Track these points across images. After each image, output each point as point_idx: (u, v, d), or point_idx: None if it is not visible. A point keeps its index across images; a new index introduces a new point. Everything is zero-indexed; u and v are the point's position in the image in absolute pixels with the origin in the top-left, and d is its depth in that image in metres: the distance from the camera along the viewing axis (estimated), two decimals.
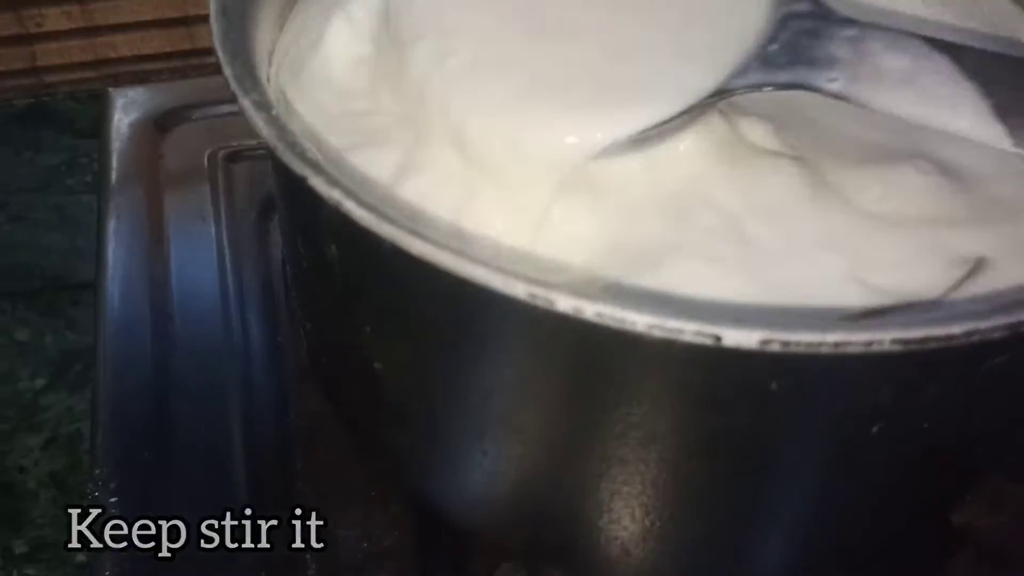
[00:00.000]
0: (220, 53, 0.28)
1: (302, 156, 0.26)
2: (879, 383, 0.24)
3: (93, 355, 0.54)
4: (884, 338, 0.22)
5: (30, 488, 0.60)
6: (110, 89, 0.54)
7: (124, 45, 0.62)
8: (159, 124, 0.53)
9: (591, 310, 0.22)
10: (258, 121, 0.26)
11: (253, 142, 0.52)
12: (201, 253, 0.48)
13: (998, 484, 0.38)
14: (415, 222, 0.24)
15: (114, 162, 0.52)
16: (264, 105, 0.27)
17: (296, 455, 0.40)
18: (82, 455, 0.62)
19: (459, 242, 0.24)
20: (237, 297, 0.46)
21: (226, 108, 0.54)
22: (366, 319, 0.29)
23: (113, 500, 0.38)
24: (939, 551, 0.36)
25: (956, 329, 0.22)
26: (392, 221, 0.24)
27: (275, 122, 0.27)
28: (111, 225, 0.48)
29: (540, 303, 0.22)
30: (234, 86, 0.27)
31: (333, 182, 0.25)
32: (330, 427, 0.40)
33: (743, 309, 0.24)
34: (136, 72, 0.63)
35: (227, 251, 0.48)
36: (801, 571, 0.32)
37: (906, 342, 0.22)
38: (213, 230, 0.49)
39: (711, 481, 0.28)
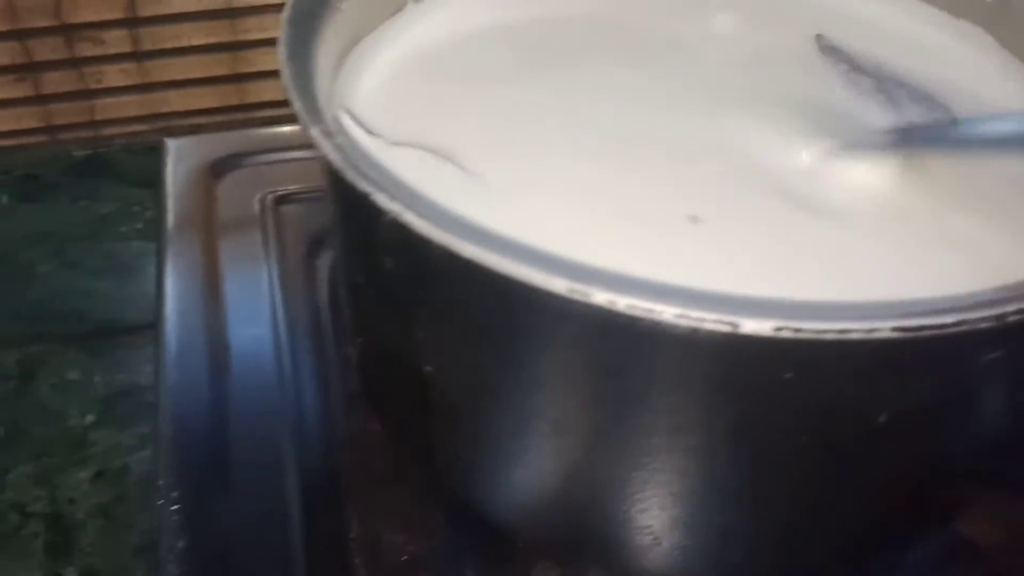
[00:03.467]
0: (290, 90, 0.32)
1: (365, 175, 0.29)
2: (883, 371, 0.27)
3: (142, 394, 0.57)
4: (884, 326, 0.25)
5: (79, 519, 0.62)
6: (166, 139, 0.58)
7: (177, 100, 0.66)
8: (213, 171, 0.57)
9: (623, 303, 0.25)
10: (326, 146, 0.30)
11: (300, 186, 0.56)
12: (254, 289, 0.51)
13: (1007, 497, 0.40)
14: (466, 230, 0.27)
15: (171, 206, 0.55)
16: (330, 134, 0.31)
17: (342, 469, 0.43)
18: (129, 487, 0.64)
19: (504, 245, 0.27)
20: (287, 329, 0.49)
21: (274, 156, 0.59)
22: (417, 325, 0.32)
23: (175, 508, 0.41)
24: (943, 561, 0.38)
25: (949, 319, 0.25)
26: (446, 228, 0.27)
27: (340, 148, 0.30)
28: (170, 264, 0.52)
29: (578, 297, 0.26)
30: (303, 118, 0.31)
31: (393, 197, 0.28)
32: (374, 444, 0.43)
33: (759, 300, 0.27)
34: (187, 125, 0.67)
35: (277, 287, 0.52)
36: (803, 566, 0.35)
37: (905, 329, 0.25)
38: (265, 268, 0.52)
39: (736, 471, 0.31)
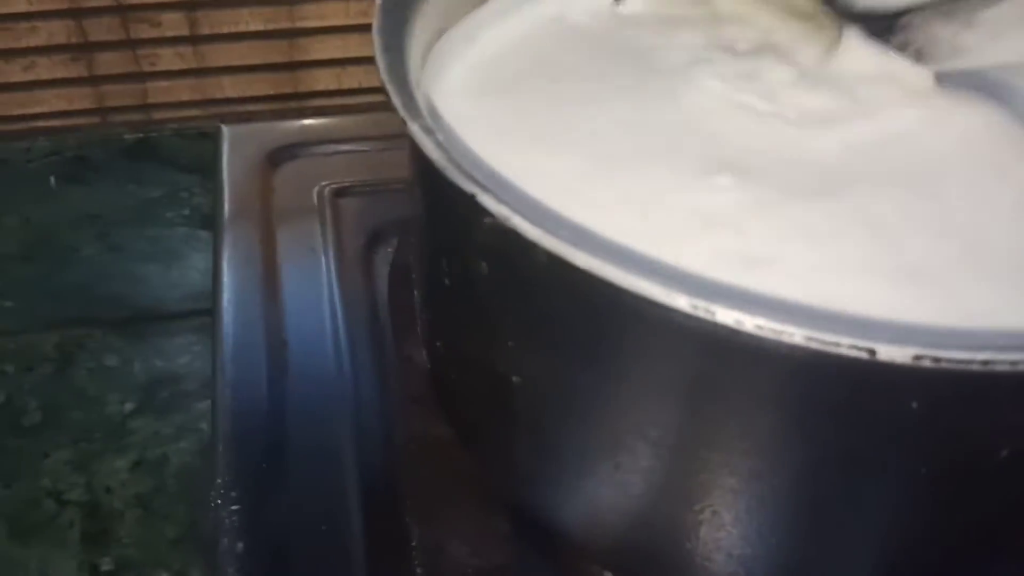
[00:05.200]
0: (388, 85, 0.31)
1: (469, 175, 0.28)
2: (1014, 404, 0.25)
3: (183, 382, 0.56)
4: None
5: (116, 508, 0.61)
6: (223, 126, 0.57)
7: (231, 86, 0.65)
8: (270, 160, 0.56)
9: (751, 323, 0.24)
10: (428, 144, 0.29)
11: (358, 179, 0.55)
12: (311, 284, 0.50)
13: None
14: (580, 237, 0.26)
15: (227, 195, 0.54)
16: (430, 130, 0.29)
17: (404, 474, 0.42)
18: (167, 478, 0.64)
19: (621, 255, 0.26)
20: (345, 325, 0.48)
21: (332, 148, 0.57)
22: (510, 334, 0.31)
23: (234, 508, 0.40)
24: None
25: None
26: (557, 235, 0.26)
27: (442, 146, 0.29)
28: (226, 254, 0.51)
29: (701, 314, 0.24)
30: (403, 113, 0.30)
31: (500, 200, 0.27)
32: (438, 450, 0.42)
33: (896, 325, 0.25)
34: (240, 112, 0.66)
35: (336, 283, 0.51)
36: None
37: None
38: (322, 262, 0.51)
39: (837, 500, 0.29)
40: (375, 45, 0.32)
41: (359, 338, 0.48)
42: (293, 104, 0.67)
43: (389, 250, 0.51)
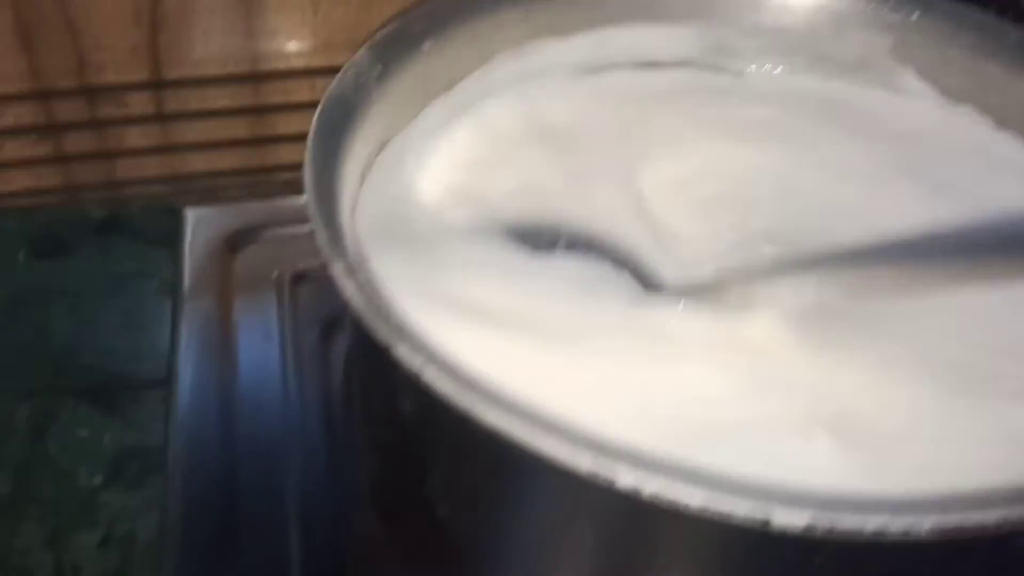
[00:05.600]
0: (314, 220, 0.31)
1: (387, 322, 0.28)
2: (917, 565, 0.26)
3: (151, 455, 0.56)
4: (921, 526, 0.23)
5: None
6: (186, 209, 0.58)
7: (198, 161, 0.66)
8: (229, 244, 0.56)
9: (649, 488, 0.24)
10: (347, 287, 0.29)
11: (317, 263, 0.55)
12: (267, 368, 0.51)
13: None
14: (490, 393, 0.27)
15: (187, 279, 0.55)
16: (353, 271, 0.30)
17: (350, 564, 0.42)
18: (135, 554, 0.64)
19: (530, 416, 0.26)
20: (299, 409, 0.49)
21: (292, 230, 0.58)
22: (435, 469, 0.31)
23: None
24: None
25: (993, 516, 0.24)
26: (467, 391, 0.26)
27: (363, 288, 0.29)
28: (183, 342, 0.51)
29: (601, 478, 0.25)
30: (326, 252, 0.30)
31: (415, 350, 0.27)
32: (384, 548, 0.42)
33: (793, 491, 0.26)
34: (208, 187, 0.67)
35: (290, 366, 0.51)
36: None
37: (943, 531, 0.24)
38: (278, 346, 0.52)
39: None
40: (305, 176, 0.33)
41: (313, 424, 0.48)
42: (261, 177, 0.67)
43: (346, 340, 0.52)
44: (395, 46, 0.39)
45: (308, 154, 0.34)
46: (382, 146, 0.40)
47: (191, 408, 0.49)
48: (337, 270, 0.29)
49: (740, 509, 0.24)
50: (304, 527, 0.44)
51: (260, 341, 0.53)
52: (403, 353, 0.27)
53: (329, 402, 0.49)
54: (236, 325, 0.53)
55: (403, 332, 0.28)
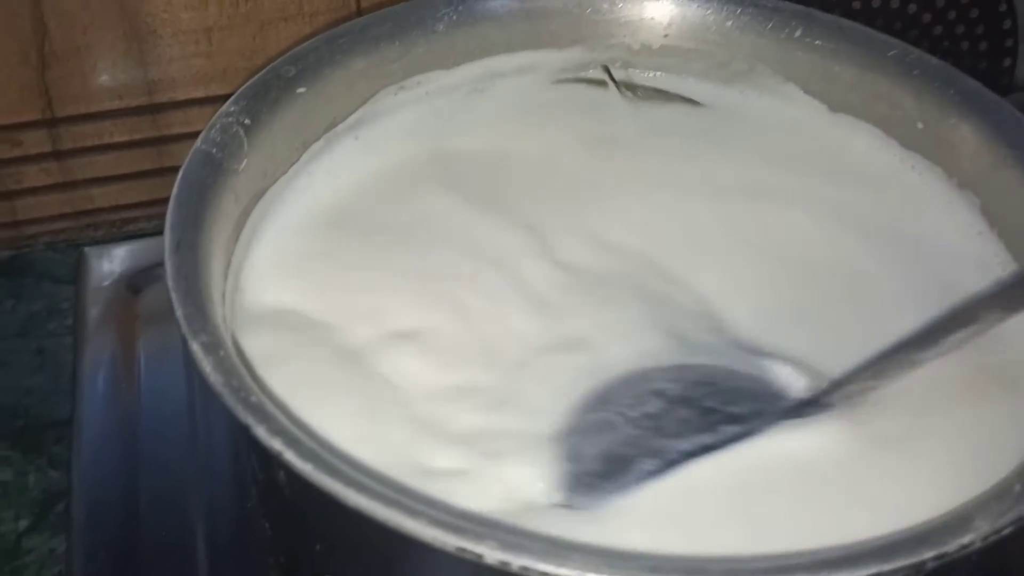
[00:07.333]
0: (172, 293, 0.30)
1: (245, 402, 0.27)
2: None
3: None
4: None
5: None
6: (85, 249, 0.56)
7: (101, 197, 0.65)
8: (132, 285, 0.55)
9: (517, 563, 0.24)
10: (206, 365, 0.28)
11: None
12: (172, 405, 0.50)
13: None
14: (352, 474, 0.26)
15: (89, 319, 0.54)
16: (213, 347, 0.29)
17: None
18: None
19: (396, 496, 0.26)
20: (205, 449, 0.48)
21: None
22: (316, 538, 0.31)
23: None
24: None
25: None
26: (327, 472, 0.26)
27: (222, 365, 0.28)
28: (86, 374, 0.51)
29: (469, 556, 0.24)
30: (184, 328, 0.29)
31: (274, 431, 0.27)
32: None
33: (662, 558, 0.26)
34: (114, 220, 0.66)
35: (197, 405, 0.50)
36: None
37: None
38: (184, 387, 0.51)
39: None
40: (166, 245, 0.32)
41: (219, 467, 0.47)
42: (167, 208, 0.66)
43: None
44: (266, 93, 0.38)
45: (168, 219, 0.33)
46: (259, 198, 0.39)
47: (94, 450, 0.49)
48: (196, 347, 0.29)
49: None
50: (212, 571, 0.43)
51: (165, 378, 0.52)
52: (262, 435, 0.27)
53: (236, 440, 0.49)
54: (140, 363, 0.53)
55: (263, 412, 0.27)
